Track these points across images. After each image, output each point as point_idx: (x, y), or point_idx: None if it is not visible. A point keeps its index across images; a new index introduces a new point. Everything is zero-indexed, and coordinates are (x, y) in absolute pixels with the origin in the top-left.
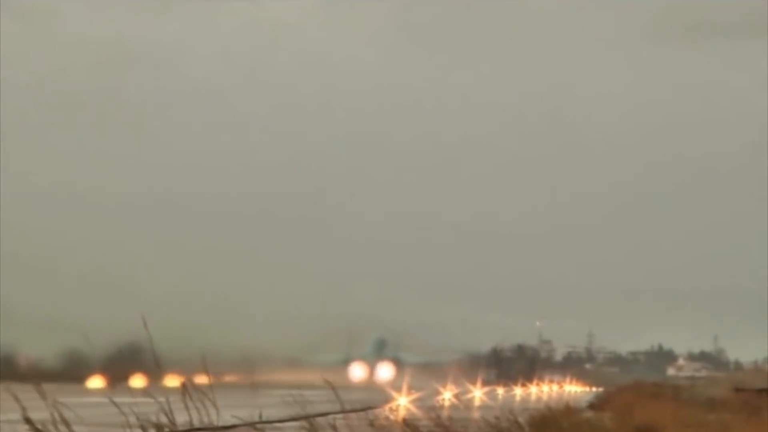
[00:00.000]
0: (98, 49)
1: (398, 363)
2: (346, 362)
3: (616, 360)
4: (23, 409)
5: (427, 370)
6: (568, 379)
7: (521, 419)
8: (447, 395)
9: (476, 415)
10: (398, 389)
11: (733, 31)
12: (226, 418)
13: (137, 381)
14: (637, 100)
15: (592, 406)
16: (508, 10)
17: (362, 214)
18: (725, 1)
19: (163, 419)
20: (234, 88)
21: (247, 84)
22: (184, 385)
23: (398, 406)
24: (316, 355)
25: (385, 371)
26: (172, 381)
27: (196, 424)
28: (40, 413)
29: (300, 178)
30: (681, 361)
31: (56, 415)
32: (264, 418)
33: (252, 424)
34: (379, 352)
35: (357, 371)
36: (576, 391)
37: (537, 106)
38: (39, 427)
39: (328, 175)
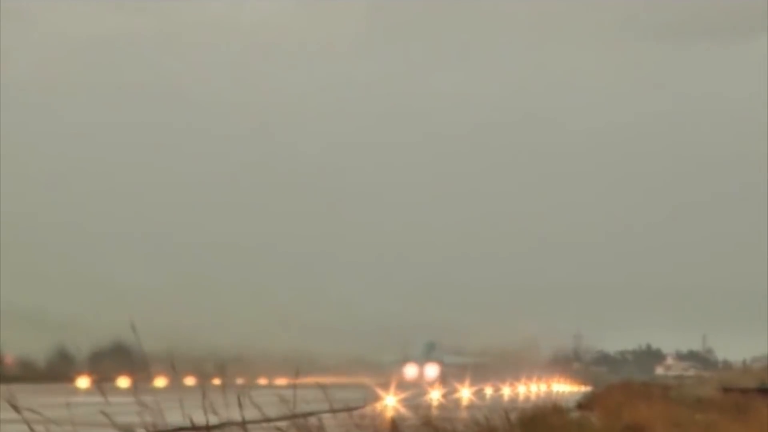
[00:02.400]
0: (78, 46)
1: (442, 363)
2: (402, 362)
3: (604, 359)
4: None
5: (463, 369)
6: (556, 379)
7: (511, 418)
8: (435, 395)
9: (464, 414)
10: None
11: (725, 30)
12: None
13: (123, 381)
14: (622, 99)
15: (580, 405)
16: (485, 10)
17: (360, 219)
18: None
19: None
20: (210, 84)
21: (225, 81)
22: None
23: (385, 405)
24: (378, 356)
25: (431, 370)
26: (160, 381)
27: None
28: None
29: (289, 177)
30: (669, 361)
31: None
32: (248, 418)
33: (238, 424)
34: (428, 354)
35: (410, 370)
36: (564, 391)
37: (518, 106)
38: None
39: (318, 174)
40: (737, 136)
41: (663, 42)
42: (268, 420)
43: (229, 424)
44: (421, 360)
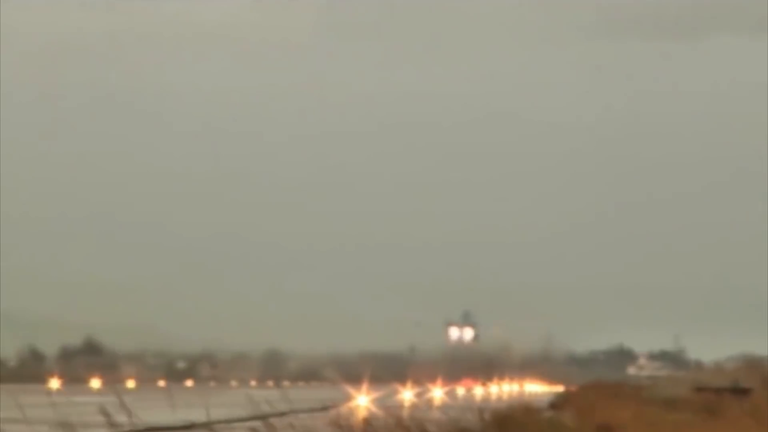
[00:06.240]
0: (42, 42)
1: (475, 327)
2: (446, 325)
3: (576, 359)
4: None
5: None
6: (528, 378)
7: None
8: (407, 395)
9: (437, 414)
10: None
11: (684, 28)
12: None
13: (95, 382)
14: (591, 96)
15: (553, 405)
16: (439, 8)
17: (340, 215)
18: None
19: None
20: (171, 86)
21: (186, 82)
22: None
23: (358, 405)
24: (430, 319)
25: (468, 333)
26: (131, 383)
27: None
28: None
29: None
30: (641, 361)
31: None
32: (216, 418)
33: (209, 425)
34: (465, 319)
35: (454, 333)
36: (536, 391)
37: (481, 103)
38: None
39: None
40: (705, 134)
41: (627, 39)
42: (241, 420)
43: (201, 424)
44: (461, 324)
